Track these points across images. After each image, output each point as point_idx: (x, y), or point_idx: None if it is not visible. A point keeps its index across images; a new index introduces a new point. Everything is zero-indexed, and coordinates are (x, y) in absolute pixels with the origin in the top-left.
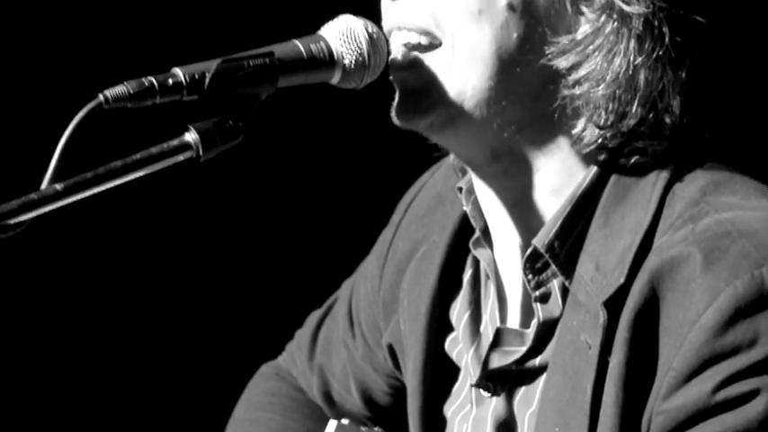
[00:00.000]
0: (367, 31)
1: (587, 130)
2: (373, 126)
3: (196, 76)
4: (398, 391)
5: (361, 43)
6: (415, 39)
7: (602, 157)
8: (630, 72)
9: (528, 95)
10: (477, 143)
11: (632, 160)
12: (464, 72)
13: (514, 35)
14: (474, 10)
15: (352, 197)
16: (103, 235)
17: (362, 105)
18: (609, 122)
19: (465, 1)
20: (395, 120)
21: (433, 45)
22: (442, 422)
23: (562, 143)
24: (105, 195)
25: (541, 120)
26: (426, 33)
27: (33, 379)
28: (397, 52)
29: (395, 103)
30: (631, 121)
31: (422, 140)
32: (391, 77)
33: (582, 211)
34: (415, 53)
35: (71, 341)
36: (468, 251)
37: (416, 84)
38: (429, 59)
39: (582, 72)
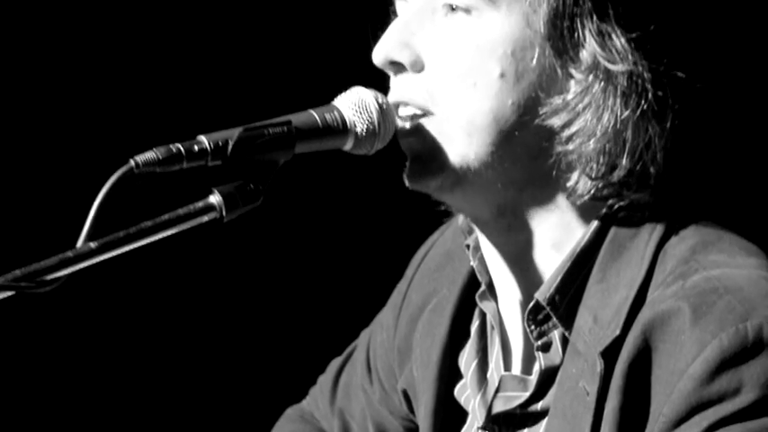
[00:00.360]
0: (377, 102)
1: (580, 182)
2: (387, 189)
3: (220, 143)
4: None
5: (371, 113)
6: (416, 110)
7: (598, 215)
8: (618, 126)
9: (528, 156)
10: (483, 201)
11: (626, 219)
12: (465, 140)
13: (509, 102)
14: (469, 83)
15: (369, 255)
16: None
17: (375, 170)
18: (600, 174)
19: (460, 75)
20: (407, 183)
21: (431, 112)
22: None
23: (560, 200)
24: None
25: (541, 177)
26: (424, 108)
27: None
28: (403, 122)
29: (406, 168)
30: (621, 172)
31: (431, 204)
32: (401, 145)
33: (581, 266)
34: (418, 121)
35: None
36: (476, 303)
37: (422, 149)
38: (430, 126)
39: (574, 128)
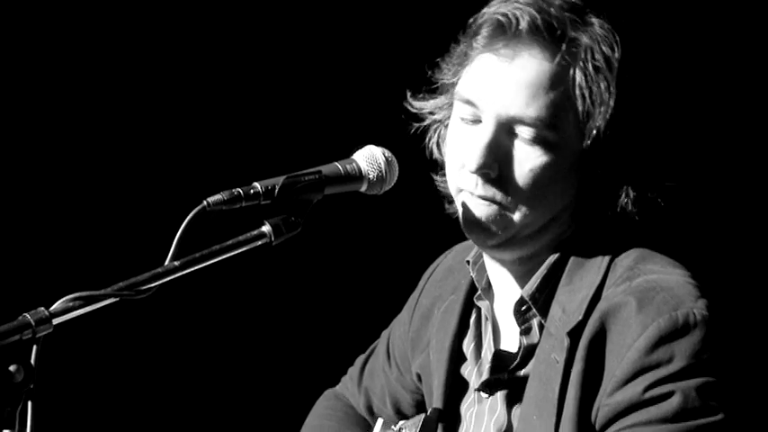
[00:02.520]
0: (384, 156)
1: (570, 222)
2: (400, 222)
3: (269, 188)
4: (419, 403)
5: (381, 164)
6: (497, 207)
7: (566, 239)
8: (621, 205)
9: (554, 217)
10: (513, 256)
11: (587, 242)
12: (522, 227)
13: (562, 202)
14: (541, 196)
15: (386, 275)
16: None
17: (388, 208)
18: (585, 218)
19: (534, 190)
20: (468, 233)
21: (505, 208)
22: (456, 420)
23: (550, 227)
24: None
25: (549, 220)
26: (504, 205)
27: None
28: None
29: (475, 230)
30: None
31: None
32: (471, 213)
33: (554, 274)
34: (494, 207)
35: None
36: (473, 304)
37: (494, 226)
38: (502, 215)
39: (589, 204)
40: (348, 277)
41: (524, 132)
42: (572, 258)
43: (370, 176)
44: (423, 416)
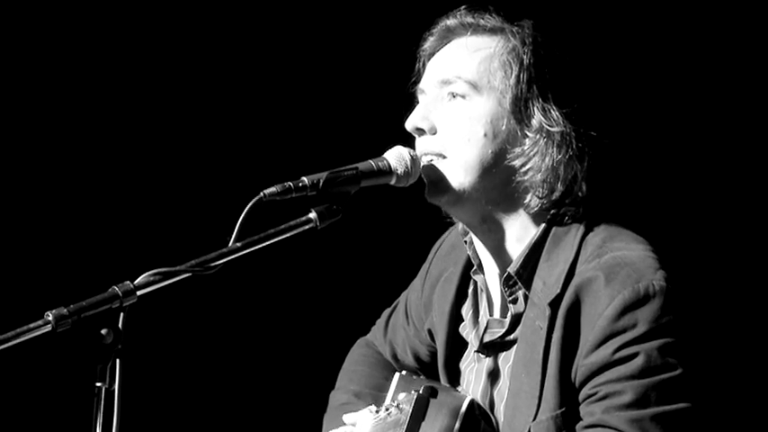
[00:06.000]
0: (410, 154)
1: (532, 200)
2: (416, 212)
3: (315, 181)
4: (433, 354)
5: (407, 161)
6: (434, 156)
7: (544, 221)
8: (555, 165)
9: (500, 183)
10: (473, 213)
11: (561, 223)
12: (462, 175)
13: (489, 151)
14: (465, 140)
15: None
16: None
17: (407, 200)
18: (544, 195)
19: (460, 135)
20: (427, 197)
21: (443, 157)
22: (457, 373)
23: (520, 211)
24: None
25: (509, 197)
26: (439, 154)
27: None
28: (425, 161)
29: (426, 189)
30: (557, 194)
31: (434, 220)
32: (422, 173)
33: (534, 252)
34: (434, 161)
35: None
36: (469, 276)
37: (434, 177)
38: (440, 165)
39: (527, 167)
40: (353, 272)
41: (449, 90)
42: (549, 238)
43: (399, 171)
44: (416, 394)
